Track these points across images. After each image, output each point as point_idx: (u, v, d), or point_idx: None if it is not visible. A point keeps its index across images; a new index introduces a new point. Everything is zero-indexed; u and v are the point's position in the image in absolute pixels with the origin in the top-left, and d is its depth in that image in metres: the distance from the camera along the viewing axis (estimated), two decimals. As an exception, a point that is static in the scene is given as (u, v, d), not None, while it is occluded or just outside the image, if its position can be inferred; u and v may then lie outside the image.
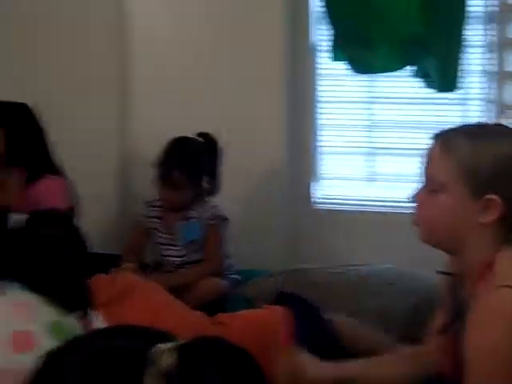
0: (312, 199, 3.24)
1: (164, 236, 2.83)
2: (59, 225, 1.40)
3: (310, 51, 3.12)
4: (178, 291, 2.42)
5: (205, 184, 2.80)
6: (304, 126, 3.19)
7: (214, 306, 2.50)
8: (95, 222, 2.82)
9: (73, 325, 1.28)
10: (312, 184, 3.24)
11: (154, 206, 2.84)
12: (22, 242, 1.28)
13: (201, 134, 2.80)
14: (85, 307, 1.30)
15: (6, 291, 1.25)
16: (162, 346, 0.75)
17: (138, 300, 2.10)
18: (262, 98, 3.05)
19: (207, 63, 3.08)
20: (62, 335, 1.24)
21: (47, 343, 1.20)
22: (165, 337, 0.79)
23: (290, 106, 3.11)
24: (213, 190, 2.82)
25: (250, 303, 2.55)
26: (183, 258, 2.80)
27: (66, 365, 0.77)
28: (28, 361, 1.15)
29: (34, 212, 1.43)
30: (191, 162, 2.73)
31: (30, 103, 2.68)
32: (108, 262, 2.61)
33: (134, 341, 0.77)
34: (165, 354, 0.73)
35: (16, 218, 1.32)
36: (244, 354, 0.78)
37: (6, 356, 1.15)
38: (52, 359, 0.81)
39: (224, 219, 2.79)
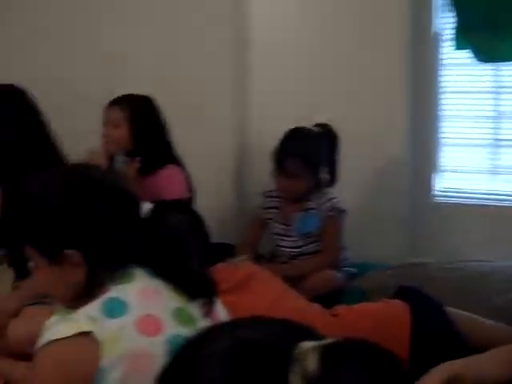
0: (433, 192, 3.16)
1: (280, 227, 2.84)
2: (183, 214, 1.43)
3: (432, 40, 3.04)
4: (293, 282, 2.42)
5: (323, 175, 2.79)
6: (426, 116, 3.12)
7: (329, 298, 2.48)
8: (211, 211, 2.87)
9: (196, 312, 1.31)
10: (433, 176, 3.16)
11: (272, 197, 2.86)
12: (150, 230, 1.32)
13: (319, 125, 2.79)
14: (209, 295, 1.32)
15: (135, 277, 1.30)
16: (307, 345, 0.73)
17: (256, 289, 2.12)
18: (384, 89, 3.01)
19: (328, 54, 3.06)
20: (186, 322, 1.27)
21: (173, 329, 1.24)
22: (309, 334, 0.77)
23: (412, 97, 3.05)
24: (331, 181, 2.80)
25: (366, 296, 2.51)
26: (298, 249, 2.80)
27: (205, 354, 0.77)
28: (155, 344, 1.20)
29: (159, 201, 1.47)
30: (307, 150, 2.71)
31: (152, 96, 2.74)
32: (223, 252, 2.65)
33: (279, 335, 0.76)
34: (309, 355, 0.72)
35: (143, 207, 1.36)
36: (392, 358, 0.75)
37: (133, 339, 1.18)
38: (191, 346, 0.81)
39: (342, 211, 2.77)
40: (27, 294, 2.12)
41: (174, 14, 3.13)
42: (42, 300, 2.12)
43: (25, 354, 1.96)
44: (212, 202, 3.06)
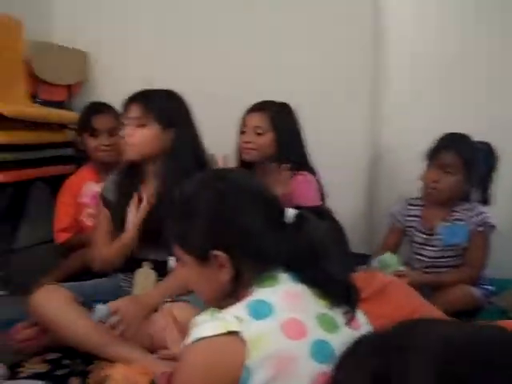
0: None
1: (421, 235, 2.77)
2: (325, 221, 1.43)
3: None
4: (427, 294, 2.34)
5: (475, 187, 2.71)
6: None
7: (466, 315, 2.40)
8: (343, 219, 2.85)
9: (338, 319, 1.30)
10: None
11: (414, 205, 2.81)
12: (295, 235, 1.33)
13: (480, 142, 2.71)
14: (351, 303, 1.31)
15: (279, 281, 1.31)
16: None
17: (393, 299, 2.09)
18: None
19: (467, 67, 2.97)
20: (329, 328, 1.26)
21: (317, 333, 1.23)
22: None
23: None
24: (483, 199, 2.72)
25: (506, 315, 2.41)
26: (438, 260, 2.72)
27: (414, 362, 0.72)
28: (299, 348, 1.19)
29: (302, 207, 1.47)
30: (467, 149, 2.64)
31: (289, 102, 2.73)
32: (359, 261, 2.63)
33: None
34: None
35: (288, 213, 1.38)
36: None
37: (279, 341, 1.19)
38: (383, 348, 0.76)
39: (492, 226, 2.67)
40: (167, 292, 2.20)
41: (308, 20, 3.16)
42: (180, 298, 2.20)
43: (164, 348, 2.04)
44: (344, 209, 3.03)
